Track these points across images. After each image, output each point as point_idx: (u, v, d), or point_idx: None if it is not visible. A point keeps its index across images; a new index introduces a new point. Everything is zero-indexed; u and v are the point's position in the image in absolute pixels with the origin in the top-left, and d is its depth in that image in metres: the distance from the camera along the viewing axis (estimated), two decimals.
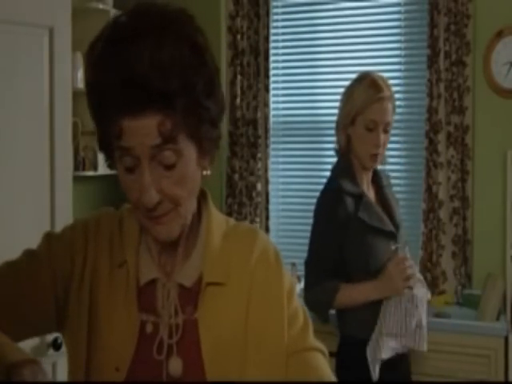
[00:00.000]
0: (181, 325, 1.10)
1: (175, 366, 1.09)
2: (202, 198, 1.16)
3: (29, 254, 1.16)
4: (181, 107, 0.99)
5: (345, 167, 2.54)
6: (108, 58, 0.99)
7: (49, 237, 1.18)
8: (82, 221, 1.20)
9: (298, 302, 1.19)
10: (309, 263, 2.52)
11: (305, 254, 3.98)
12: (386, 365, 2.39)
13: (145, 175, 1.00)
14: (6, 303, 1.10)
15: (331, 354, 1.27)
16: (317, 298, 2.45)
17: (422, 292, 2.44)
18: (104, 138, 1.05)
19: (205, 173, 1.10)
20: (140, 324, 1.11)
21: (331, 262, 2.46)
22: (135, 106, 0.97)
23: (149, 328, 1.11)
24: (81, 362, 1.11)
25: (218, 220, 1.19)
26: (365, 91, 2.46)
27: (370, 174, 2.60)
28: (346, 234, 2.43)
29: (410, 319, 2.39)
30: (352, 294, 2.43)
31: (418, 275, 2.48)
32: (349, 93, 2.53)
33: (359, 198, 2.47)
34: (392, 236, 2.50)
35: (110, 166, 1.10)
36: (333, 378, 1.13)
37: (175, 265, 1.14)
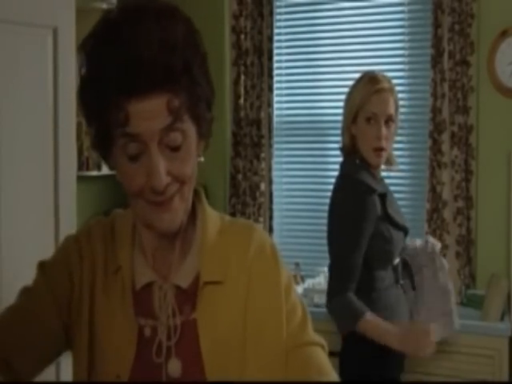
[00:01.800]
0: (179, 326, 1.10)
1: (174, 367, 1.08)
2: (195, 196, 1.15)
3: (27, 293, 1.15)
4: (184, 85, 1.01)
5: (361, 165, 2.49)
6: (110, 42, 0.99)
7: (42, 267, 1.16)
8: (72, 237, 1.19)
9: (297, 297, 1.18)
10: (336, 268, 2.42)
11: (308, 254, 4.02)
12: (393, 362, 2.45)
13: (155, 158, 1.00)
14: (18, 348, 1.09)
15: (333, 354, 1.27)
16: (341, 312, 2.40)
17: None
18: (102, 131, 1.03)
19: (199, 159, 1.11)
20: (138, 329, 1.10)
21: (358, 269, 2.40)
22: (143, 87, 0.97)
23: (147, 332, 1.10)
24: (83, 372, 1.11)
25: (212, 217, 1.18)
26: (363, 87, 2.47)
27: (379, 173, 2.57)
28: (374, 230, 2.42)
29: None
30: (373, 331, 2.34)
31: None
32: (349, 93, 2.54)
33: (383, 196, 2.46)
34: (405, 230, 2.54)
35: (107, 161, 1.09)
36: (333, 373, 1.12)
37: (171, 266, 1.13)
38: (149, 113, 0.98)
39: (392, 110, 2.46)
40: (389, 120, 2.45)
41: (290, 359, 1.11)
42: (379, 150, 2.44)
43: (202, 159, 1.11)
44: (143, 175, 1.01)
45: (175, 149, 1.02)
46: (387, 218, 2.45)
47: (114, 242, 1.15)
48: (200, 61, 1.05)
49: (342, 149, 2.58)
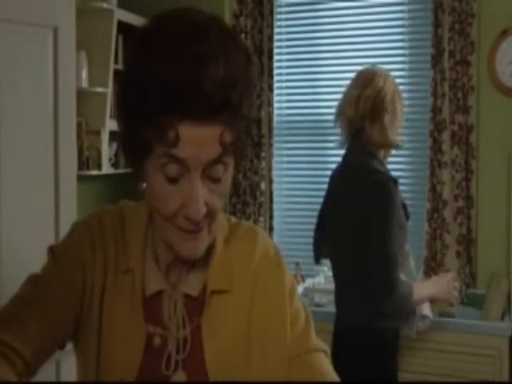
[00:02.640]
0: (189, 337, 1.07)
1: (179, 379, 1.07)
2: None
3: (37, 281, 1.09)
4: (236, 119, 0.96)
5: (373, 155, 2.52)
6: (182, 58, 0.91)
7: (53, 253, 1.11)
8: (83, 225, 1.13)
9: (299, 300, 1.16)
10: (389, 261, 2.38)
11: (309, 254, 3.99)
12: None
13: (196, 186, 0.95)
14: (28, 340, 1.03)
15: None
16: (402, 307, 2.47)
17: None
18: (140, 142, 0.96)
19: None
20: (146, 336, 1.08)
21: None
22: (200, 113, 0.92)
23: (156, 341, 1.08)
24: (92, 372, 1.09)
25: (220, 224, 1.14)
26: (391, 83, 2.54)
27: None
28: None
29: None
30: (421, 292, 2.52)
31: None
32: (388, 82, 2.53)
33: (396, 183, 2.47)
34: (408, 215, 2.59)
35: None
36: (336, 378, 1.11)
37: (181, 275, 1.11)
38: (201, 140, 0.93)
39: None
40: None
41: (294, 366, 1.10)
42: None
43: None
44: (179, 200, 0.97)
45: (215, 180, 0.98)
46: (402, 204, 2.50)
47: (125, 239, 1.12)
48: (250, 91, 1.01)
49: (361, 140, 2.54)
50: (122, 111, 1.00)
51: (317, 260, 2.92)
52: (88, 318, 1.09)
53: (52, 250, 1.12)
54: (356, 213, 2.49)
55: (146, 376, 1.06)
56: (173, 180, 0.96)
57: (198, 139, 0.93)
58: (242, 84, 0.95)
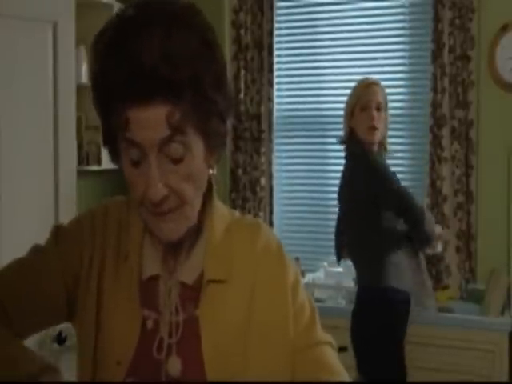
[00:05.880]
0: (181, 323, 1.09)
1: (174, 365, 1.07)
2: (206, 190, 1.13)
3: (38, 251, 1.16)
4: (189, 98, 0.98)
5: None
6: (116, 47, 0.97)
7: (57, 231, 1.17)
8: (90, 213, 1.18)
9: (305, 295, 1.16)
10: (411, 203, 2.96)
11: (308, 249, 4.02)
12: None
13: (152, 168, 0.98)
14: (18, 300, 1.11)
15: (342, 349, 1.26)
16: (430, 230, 2.97)
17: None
18: (109, 130, 1.03)
19: (211, 171, 1.08)
20: (142, 319, 1.10)
21: None
22: (143, 95, 0.95)
23: (149, 324, 1.09)
24: (89, 352, 1.11)
25: (221, 214, 1.16)
26: (356, 88, 3.05)
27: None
28: None
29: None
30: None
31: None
32: (347, 98, 3.08)
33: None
34: None
35: (114, 160, 1.08)
36: (343, 372, 1.11)
37: (179, 262, 1.12)
38: (147, 122, 0.97)
39: (381, 99, 2.99)
40: (379, 106, 2.98)
41: (299, 360, 1.10)
42: (372, 128, 2.94)
43: (215, 171, 1.08)
44: (143, 183, 1.00)
45: (177, 160, 1.00)
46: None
47: (128, 226, 1.15)
48: (215, 74, 1.02)
49: (342, 141, 3.11)
50: (94, 105, 1.06)
51: (338, 260, 3.34)
52: (85, 297, 1.13)
53: (56, 227, 1.18)
54: (388, 182, 2.99)
55: (140, 359, 1.08)
56: (136, 164, 1.01)
57: (145, 121, 0.97)
58: (192, 64, 0.97)
